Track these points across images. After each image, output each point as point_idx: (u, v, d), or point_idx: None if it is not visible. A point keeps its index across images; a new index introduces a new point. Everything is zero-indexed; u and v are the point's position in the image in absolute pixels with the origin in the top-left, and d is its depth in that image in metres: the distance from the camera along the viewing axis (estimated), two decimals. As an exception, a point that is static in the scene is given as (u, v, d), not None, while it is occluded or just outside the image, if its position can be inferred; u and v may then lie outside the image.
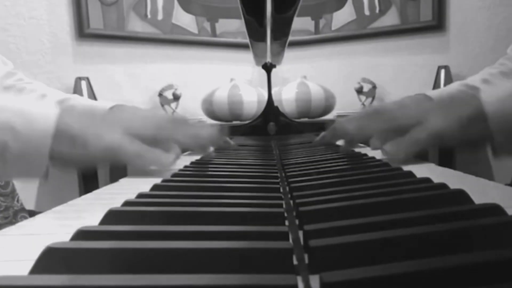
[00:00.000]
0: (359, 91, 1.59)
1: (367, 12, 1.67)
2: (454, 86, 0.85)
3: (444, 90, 0.88)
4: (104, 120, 0.51)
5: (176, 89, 1.59)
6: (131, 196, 0.29)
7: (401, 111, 0.53)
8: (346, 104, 1.54)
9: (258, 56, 0.98)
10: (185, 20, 1.67)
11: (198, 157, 0.58)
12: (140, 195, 0.30)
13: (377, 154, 0.55)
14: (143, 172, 0.50)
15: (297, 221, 0.24)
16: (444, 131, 0.50)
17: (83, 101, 0.74)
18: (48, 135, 0.45)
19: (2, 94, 0.51)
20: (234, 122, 1.38)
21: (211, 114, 1.40)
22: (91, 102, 0.74)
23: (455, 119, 0.50)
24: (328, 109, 1.40)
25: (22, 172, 0.47)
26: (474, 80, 0.85)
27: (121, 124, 0.50)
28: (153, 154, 0.49)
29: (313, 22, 1.70)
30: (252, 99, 1.36)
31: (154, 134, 0.51)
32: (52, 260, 0.16)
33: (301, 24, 1.67)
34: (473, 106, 0.50)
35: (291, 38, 0.87)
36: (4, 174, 0.47)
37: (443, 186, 0.27)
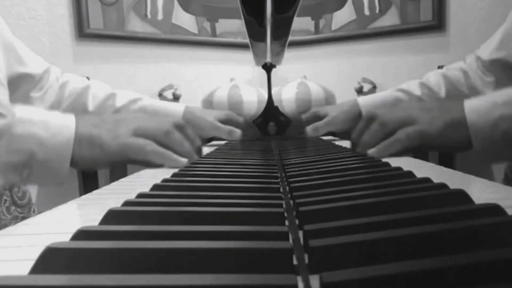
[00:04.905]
0: (359, 91, 1.59)
1: (367, 12, 1.67)
2: (388, 91, 0.93)
3: (377, 96, 0.96)
4: (117, 122, 0.55)
5: (176, 89, 1.59)
6: (131, 196, 0.29)
7: (389, 115, 0.56)
8: (346, 104, 1.54)
9: (258, 56, 0.98)
10: (185, 20, 1.67)
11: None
12: (140, 195, 0.30)
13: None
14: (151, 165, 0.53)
15: (297, 221, 0.24)
16: (426, 132, 0.53)
17: (155, 102, 0.83)
18: (70, 143, 0.51)
19: (25, 106, 0.55)
20: (234, 122, 1.38)
21: (211, 114, 1.40)
22: (163, 103, 0.82)
23: (440, 122, 0.53)
24: (328, 109, 1.40)
25: (45, 177, 0.52)
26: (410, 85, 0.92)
27: (133, 125, 0.54)
28: (163, 151, 0.53)
29: (313, 22, 1.69)
30: (252, 99, 1.36)
31: (163, 137, 0.54)
32: (52, 260, 0.16)
33: (301, 24, 1.67)
34: (457, 111, 0.53)
35: (291, 38, 0.87)
36: (30, 179, 0.52)
37: (443, 186, 0.27)
